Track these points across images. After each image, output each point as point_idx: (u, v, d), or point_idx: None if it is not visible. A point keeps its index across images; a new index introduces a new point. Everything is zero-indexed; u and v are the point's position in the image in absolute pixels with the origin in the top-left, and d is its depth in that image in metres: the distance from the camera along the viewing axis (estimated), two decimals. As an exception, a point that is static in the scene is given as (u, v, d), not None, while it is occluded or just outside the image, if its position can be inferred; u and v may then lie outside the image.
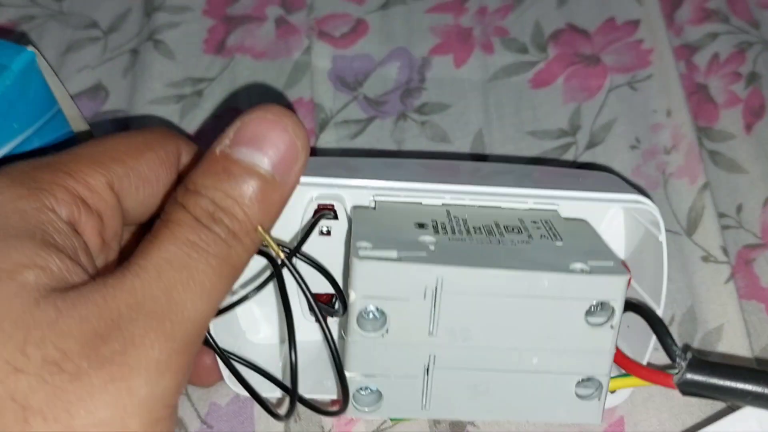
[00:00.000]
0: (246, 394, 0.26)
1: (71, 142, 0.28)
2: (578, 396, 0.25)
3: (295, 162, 0.22)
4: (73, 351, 0.17)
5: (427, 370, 0.24)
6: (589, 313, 0.24)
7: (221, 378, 0.27)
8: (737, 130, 0.37)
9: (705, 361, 0.25)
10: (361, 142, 0.37)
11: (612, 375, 0.25)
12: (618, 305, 0.24)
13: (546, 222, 0.27)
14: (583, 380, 0.25)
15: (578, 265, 0.24)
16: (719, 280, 0.32)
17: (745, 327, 0.31)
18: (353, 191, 0.26)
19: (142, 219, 0.24)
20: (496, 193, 0.26)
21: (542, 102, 0.38)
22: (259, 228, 0.21)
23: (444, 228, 0.25)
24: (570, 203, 0.27)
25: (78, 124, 0.28)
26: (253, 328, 0.29)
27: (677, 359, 0.24)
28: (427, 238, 0.24)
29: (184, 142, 0.24)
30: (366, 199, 0.26)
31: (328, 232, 0.27)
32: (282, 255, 0.22)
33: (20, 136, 0.26)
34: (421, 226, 0.25)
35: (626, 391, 0.28)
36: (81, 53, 0.40)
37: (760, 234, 0.34)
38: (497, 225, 0.26)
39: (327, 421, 0.28)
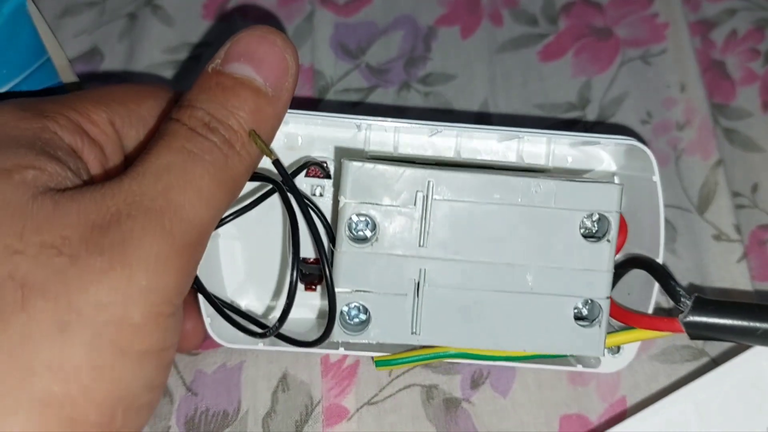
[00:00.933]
0: (232, 345, 0.25)
1: (60, 91, 0.27)
2: (578, 324, 0.24)
3: (286, 76, 0.22)
4: (71, 238, 0.17)
5: (418, 287, 0.24)
6: (585, 236, 0.24)
7: (202, 342, 0.26)
8: (754, 107, 0.36)
9: (711, 300, 0.23)
10: (362, 111, 0.35)
11: (611, 331, 0.25)
12: (614, 217, 0.23)
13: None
14: (582, 307, 0.24)
15: (572, 179, 0.24)
16: (731, 259, 0.31)
17: (758, 308, 0.30)
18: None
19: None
20: (488, 129, 0.26)
21: (551, 75, 0.37)
22: (253, 132, 0.21)
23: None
24: (561, 157, 0.27)
25: (67, 75, 0.27)
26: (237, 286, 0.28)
27: (682, 299, 0.23)
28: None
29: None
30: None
31: (321, 195, 0.26)
32: (274, 156, 0.22)
33: (9, 84, 0.25)
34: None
35: (630, 353, 0.27)
36: (78, 18, 0.39)
37: (775, 214, 0.33)
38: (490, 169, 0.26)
39: (316, 391, 0.27)
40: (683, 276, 0.31)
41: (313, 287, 0.27)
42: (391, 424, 0.27)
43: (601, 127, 0.35)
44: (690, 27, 0.38)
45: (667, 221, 0.32)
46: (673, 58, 0.37)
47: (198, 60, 0.37)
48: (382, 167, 0.23)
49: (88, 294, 0.17)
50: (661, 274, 0.24)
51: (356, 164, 0.23)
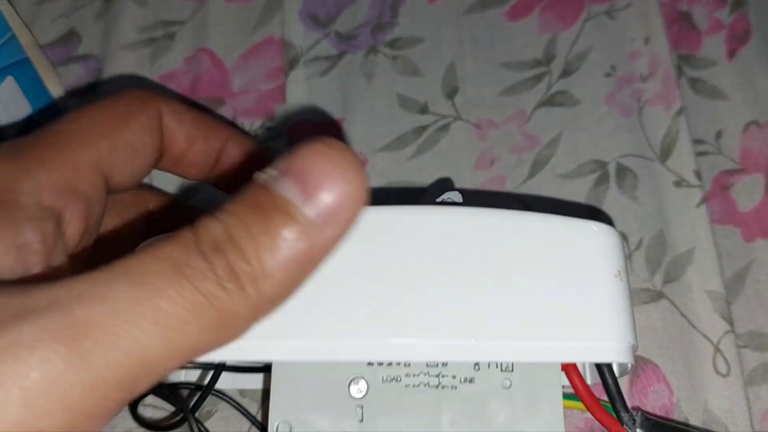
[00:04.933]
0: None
1: (26, 67, 0.28)
2: None
3: (341, 213, 0.17)
4: None
5: None
6: None
7: None
8: (719, 56, 0.36)
9: (654, 422, 0.24)
10: (331, 78, 0.36)
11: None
12: None
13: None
14: None
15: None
16: (691, 204, 0.32)
17: (716, 251, 0.30)
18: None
19: (131, 187, 0.24)
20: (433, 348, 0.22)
21: (517, 34, 0.37)
22: None
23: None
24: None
25: (33, 51, 0.28)
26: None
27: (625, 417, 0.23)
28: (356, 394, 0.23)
29: (163, 102, 0.24)
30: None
31: None
32: None
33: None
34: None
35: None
36: (55, 3, 0.40)
37: (738, 159, 0.33)
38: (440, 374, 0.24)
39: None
40: (644, 222, 0.32)
41: None
42: None
43: (564, 83, 0.36)
44: (657, -20, 0.38)
45: (629, 169, 0.33)
46: (637, 11, 0.37)
47: (172, 38, 0.38)
48: None
49: None
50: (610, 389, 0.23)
51: None
